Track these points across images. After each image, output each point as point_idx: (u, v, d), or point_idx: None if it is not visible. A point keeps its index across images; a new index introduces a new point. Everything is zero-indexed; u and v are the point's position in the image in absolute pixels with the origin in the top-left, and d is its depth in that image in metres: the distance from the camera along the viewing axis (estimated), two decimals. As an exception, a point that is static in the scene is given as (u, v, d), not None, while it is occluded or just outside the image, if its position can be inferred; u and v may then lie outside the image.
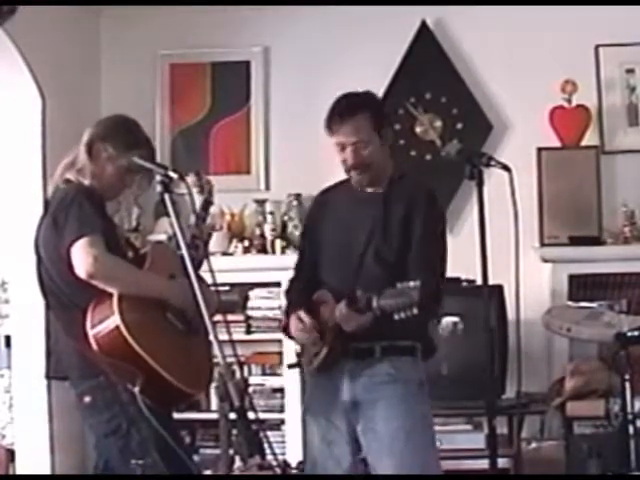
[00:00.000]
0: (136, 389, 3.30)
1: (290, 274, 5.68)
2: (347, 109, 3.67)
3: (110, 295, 3.37)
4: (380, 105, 3.85)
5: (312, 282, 3.74)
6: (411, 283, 3.31)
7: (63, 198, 3.53)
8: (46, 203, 3.64)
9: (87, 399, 3.49)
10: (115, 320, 3.32)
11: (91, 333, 3.35)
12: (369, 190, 3.70)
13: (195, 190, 3.80)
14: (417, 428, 3.58)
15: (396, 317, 3.32)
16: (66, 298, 3.50)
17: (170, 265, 3.52)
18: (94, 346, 3.34)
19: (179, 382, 3.36)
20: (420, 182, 3.78)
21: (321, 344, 3.60)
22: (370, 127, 3.63)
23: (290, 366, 3.78)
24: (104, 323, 3.34)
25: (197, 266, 3.48)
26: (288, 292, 3.89)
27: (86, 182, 3.58)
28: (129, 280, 3.46)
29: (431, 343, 3.71)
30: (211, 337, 3.17)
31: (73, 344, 3.45)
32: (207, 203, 3.87)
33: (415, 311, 3.28)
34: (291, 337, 3.74)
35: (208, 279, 3.39)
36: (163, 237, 4.67)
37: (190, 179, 3.76)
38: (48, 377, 3.69)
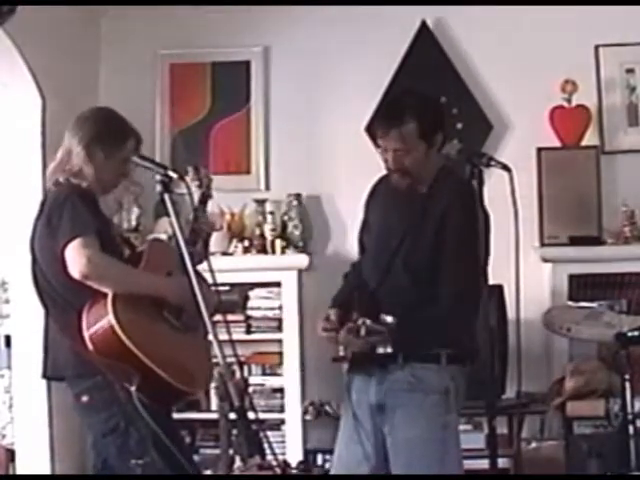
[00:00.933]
0: (132, 388, 3.30)
1: (290, 274, 5.74)
2: (393, 115, 3.57)
3: (105, 295, 3.37)
4: (431, 112, 3.64)
5: (360, 277, 3.74)
6: (388, 319, 3.33)
7: (56, 199, 3.53)
8: (41, 205, 3.63)
9: (84, 399, 3.49)
10: (110, 320, 3.32)
11: (86, 333, 3.34)
12: (412, 190, 3.63)
13: (194, 184, 3.80)
14: (435, 438, 3.52)
15: (377, 351, 3.39)
16: (61, 299, 3.50)
17: (167, 262, 3.52)
18: (90, 346, 3.33)
19: (176, 380, 3.35)
20: (461, 184, 3.52)
21: (350, 343, 3.57)
22: (416, 135, 3.53)
23: (335, 359, 3.73)
24: (99, 323, 3.34)
25: (196, 263, 3.47)
26: (345, 277, 3.86)
27: (84, 184, 3.57)
28: (123, 279, 3.46)
29: (466, 346, 3.57)
30: (211, 337, 3.17)
31: (69, 344, 3.45)
32: (205, 197, 3.87)
33: (389, 350, 3.34)
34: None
35: (208, 279, 3.39)
36: (163, 237, 4.67)
37: (189, 173, 3.77)
38: (45, 377, 3.68)
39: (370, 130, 3.67)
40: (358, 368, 3.61)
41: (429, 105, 3.66)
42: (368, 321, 3.38)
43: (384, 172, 3.70)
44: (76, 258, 3.38)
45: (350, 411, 3.65)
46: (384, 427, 3.59)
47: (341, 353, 3.61)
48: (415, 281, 3.53)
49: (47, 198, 3.59)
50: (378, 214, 3.73)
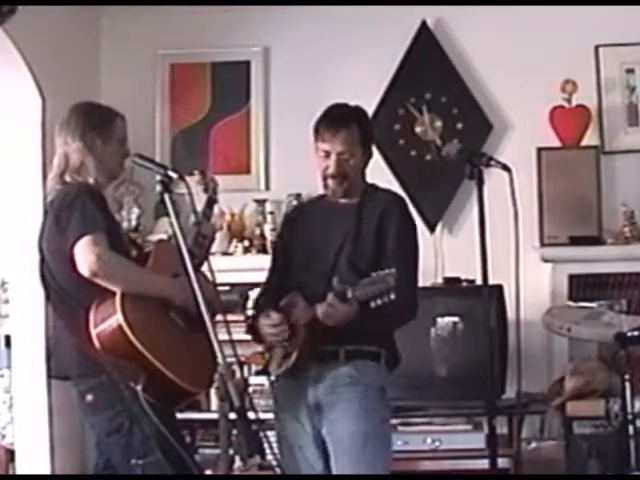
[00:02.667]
0: (139, 387, 3.31)
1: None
2: (340, 119, 3.71)
3: (113, 294, 3.38)
4: (369, 120, 3.89)
5: (282, 289, 3.74)
6: (386, 270, 3.34)
7: (65, 198, 3.54)
8: (50, 204, 3.63)
9: (89, 398, 3.49)
10: (118, 319, 3.33)
11: (94, 332, 3.35)
12: (343, 201, 3.74)
13: (200, 188, 3.83)
14: (375, 432, 3.59)
15: (373, 305, 3.34)
16: (69, 297, 3.51)
17: (174, 263, 3.52)
18: (97, 345, 3.35)
19: (182, 380, 3.36)
20: (394, 194, 3.83)
21: (290, 345, 3.61)
22: (358, 140, 3.69)
23: (258, 372, 3.79)
24: (107, 322, 3.35)
25: (199, 265, 3.48)
26: (257, 300, 3.91)
27: (90, 179, 3.59)
28: (132, 278, 3.47)
29: (396, 352, 3.72)
30: (211, 337, 3.17)
31: (75, 343, 3.46)
32: (211, 201, 3.89)
33: (392, 296, 3.31)
34: (257, 339, 3.75)
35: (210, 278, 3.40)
36: (163, 237, 4.67)
37: (195, 177, 3.79)
38: (50, 376, 3.69)
39: (316, 135, 3.73)
40: (294, 371, 3.61)
41: (366, 114, 3.86)
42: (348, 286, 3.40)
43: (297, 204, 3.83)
44: (85, 256, 3.39)
45: (288, 420, 3.67)
46: (322, 427, 3.62)
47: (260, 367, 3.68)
48: (360, 279, 3.53)
49: (55, 197, 3.59)
50: (306, 230, 3.79)
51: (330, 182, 3.71)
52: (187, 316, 3.52)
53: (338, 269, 3.62)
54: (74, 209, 3.46)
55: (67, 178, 3.61)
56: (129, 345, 3.31)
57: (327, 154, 3.68)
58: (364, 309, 3.40)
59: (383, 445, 3.63)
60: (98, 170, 3.61)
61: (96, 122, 3.66)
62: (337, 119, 3.71)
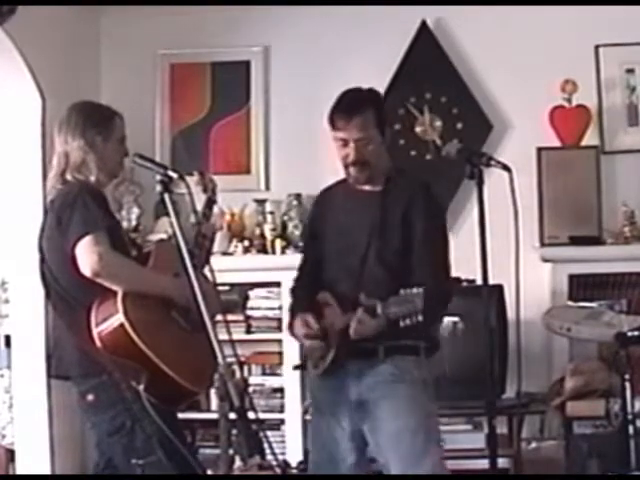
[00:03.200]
0: (140, 387, 3.30)
1: (290, 274, 5.70)
2: (354, 105, 3.68)
3: (114, 293, 3.38)
4: (382, 103, 3.85)
5: (316, 282, 3.74)
6: (414, 290, 3.32)
7: (66, 197, 3.53)
8: (50, 203, 3.63)
9: (90, 397, 3.49)
10: (119, 318, 3.33)
11: (95, 331, 3.35)
12: (367, 188, 3.71)
13: (199, 189, 3.83)
14: (422, 427, 3.59)
15: (402, 324, 3.34)
16: (70, 297, 3.51)
17: (174, 263, 3.52)
18: (99, 344, 3.34)
19: (183, 379, 3.36)
20: (418, 179, 3.78)
21: (326, 347, 3.61)
22: (374, 124, 3.65)
23: (295, 367, 3.78)
24: (108, 321, 3.35)
25: (202, 265, 3.49)
26: (293, 291, 3.90)
27: (92, 178, 3.59)
28: (133, 278, 3.47)
29: (434, 340, 3.71)
30: (211, 337, 3.17)
31: (75, 343, 3.46)
32: (211, 202, 3.89)
33: (420, 318, 3.30)
34: (295, 335, 3.76)
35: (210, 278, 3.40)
36: (164, 237, 4.67)
37: (194, 178, 3.79)
38: (50, 376, 3.68)
39: (331, 124, 3.71)
40: (332, 368, 3.61)
41: (380, 97, 3.86)
42: (379, 301, 3.38)
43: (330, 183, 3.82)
44: (87, 255, 3.38)
45: (325, 415, 3.67)
46: (364, 424, 3.62)
47: (299, 361, 3.67)
48: (390, 274, 3.56)
49: (56, 197, 3.59)
50: (334, 219, 3.77)
51: (352, 170, 3.68)
52: (189, 316, 3.52)
53: (367, 264, 3.60)
54: (75, 208, 3.46)
55: (68, 177, 3.61)
56: (131, 344, 3.31)
57: (345, 142, 3.65)
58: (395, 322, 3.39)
59: (432, 438, 3.63)
60: (99, 168, 3.62)
61: (96, 120, 3.67)
62: (350, 105, 3.68)
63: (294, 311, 3.75)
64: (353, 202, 3.73)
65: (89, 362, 3.43)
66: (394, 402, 3.57)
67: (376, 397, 3.59)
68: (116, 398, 3.44)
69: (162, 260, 3.62)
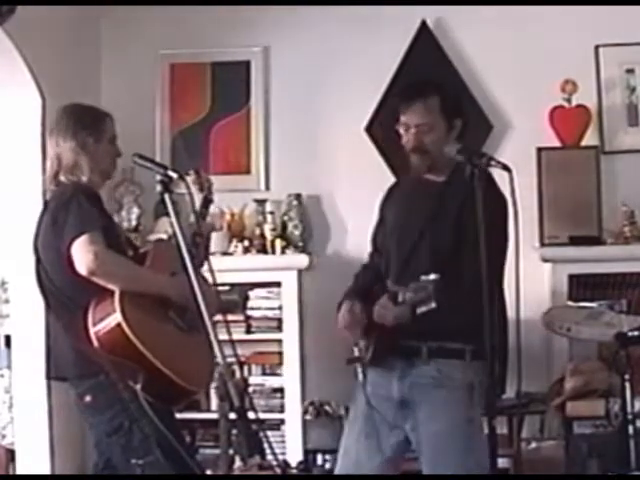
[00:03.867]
0: (138, 387, 3.30)
1: (290, 274, 5.74)
2: (417, 89, 3.65)
3: (111, 293, 3.38)
4: (452, 94, 3.76)
5: (378, 272, 3.73)
6: (431, 276, 3.27)
7: (61, 198, 3.54)
8: (45, 204, 3.64)
9: (88, 398, 3.49)
10: (117, 317, 3.33)
11: (93, 331, 3.35)
12: (430, 178, 3.67)
13: (195, 188, 3.83)
14: (461, 433, 3.53)
15: (418, 311, 3.28)
16: (66, 297, 3.50)
17: (172, 263, 3.52)
18: (96, 344, 3.34)
19: (180, 379, 3.36)
20: (480, 172, 3.45)
21: (368, 339, 3.58)
22: (438, 112, 3.61)
23: (350, 361, 3.71)
24: (106, 320, 3.35)
25: (199, 265, 3.48)
26: (356, 277, 3.86)
27: (84, 178, 3.59)
28: (130, 277, 3.47)
29: (483, 343, 3.44)
30: (211, 337, 3.17)
31: (72, 343, 3.45)
32: (207, 201, 3.90)
33: (433, 305, 3.24)
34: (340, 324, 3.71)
35: (209, 279, 3.39)
36: (163, 237, 4.67)
37: (190, 177, 3.78)
38: (49, 378, 3.68)
39: (397, 107, 3.68)
40: (378, 362, 3.59)
41: (450, 87, 3.81)
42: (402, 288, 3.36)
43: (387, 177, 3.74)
44: (83, 254, 3.38)
45: (363, 405, 3.63)
46: (406, 423, 3.59)
47: (356, 354, 3.61)
48: (439, 267, 3.45)
49: (51, 198, 3.60)
50: (396, 211, 3.75)
51: (412, 157, 3.65)
52: (186, 315, 3.52)
53: (418, 255, 3.57)
54: (70, 209, 3.46)
55: (61, 178, 3.61)
56: (128, 344, 3.31)
57: (407, 127, 3.62)
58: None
59: (470, 444, 3.53)
60: (91, 169, 3.62)
61: (87, 122, 3.68)
62: (414, 89, 3.65)
63: (344, 297, 3.71)
64: (414, 192, 3.70)
65: (86, 363, 3.43)
66: (433, 406, 3.53)
67: (417, 399, 3.56)
68: (114, 398, 3.43)
69: (159, 260, 3.62)
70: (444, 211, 3.57)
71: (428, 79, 3.75)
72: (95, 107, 3.81)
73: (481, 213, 3.24)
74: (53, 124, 3.74)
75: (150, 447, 3.42)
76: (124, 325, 3.32)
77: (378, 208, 3.92)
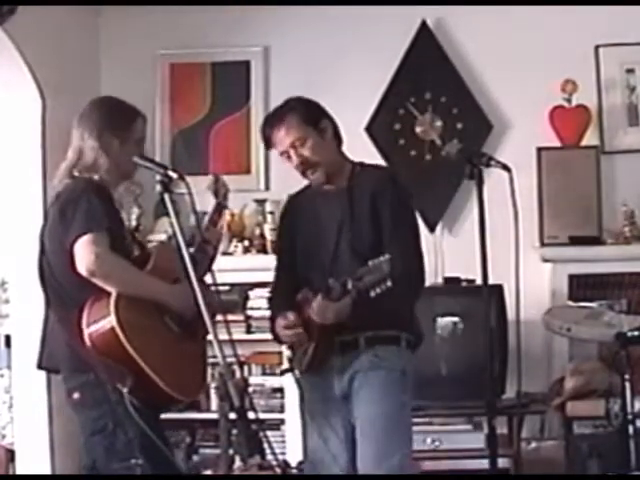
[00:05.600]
0: (125, 389, 3.29)
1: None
2: (274, 117, 3.74)
3: (108, 293, 3.36)
4: (308, 103, 3.81)
5: (292, 285, 3.76)
6: (381, 258, 3.32)
7: (72, 192, 3.51)
8: (56, 196, 3.61)
9: (76, 395, 3.48)
10: (111, 321, 3.31)
11: (86, 332, 3.34)
12: (330, 187, 3.73)
13: (209, 192, 3.83)
14: (395, 415, 3.59)
15: (372, 294, 3.33)
16: (64, 293, 3.49)
17: (175, 268, 3.50)
18: (88, 344, 3.33)
19: (168, 387, 3.34)
20: (383, 171, 3.85)
21: (308, 342, 3.62)
22: (301, 124, 3.67)
23: (283, 372, 3.79)
24: (100, 322, 3.33)
25: (204, 272, 3.47)
26: (270, 300, 3.92)
27: (98, 177, 3.57)
28: (129, 280, 3.45)
29: (417, 333, 3.71)
30: (211, 337, 3.17)
31: (66, 338, 3.44)
32: (220, 207, 3.88)
33: (389, 284, 3.30)
34: (279, 340, 3.78)
35: (208, 279, 3.39)
36: (163, 237, 4.67)
37: (207, 181, 3.78)
38: (40, 367, 3.67)
39: (265, 144, 3.83)
40: (316, 366, 3.63)
41: (301, 99, 3.81)
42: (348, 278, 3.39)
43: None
44: (85, 254, 3.37)
45: (315, 414, 3.69)
46: (351, 417, 3.63)
47: (285, 365, 3.71)
48: (362, 264, 3.52)
49: (63, 190, 3.57)
50: (303, 221, 3.79)
51: (308, 175, 3.71)
52: (182, 321, 3.50)
53: (340, 259, 3.62)
54: (79, 205, 3.44)
55: (75, 173, 3.59)
56: (120, 348, 3.29)
57: (286, 154, 3.70)
58: (365, 299, 3.38)
59: (402, 429, 3.62)
60: (109, 171, 3.59)
61: (116, 122, 3.60)
62: (269, 121, 3.75)
63: (273, 316, 3.78)
64: (320, 202, 3.75)
65: (77, 358, 3.41)
66: (371, 389, 3.59)
67: (356, 387, 3.61)
68: (101, 398, 3.41)
69: (162, 264, 3.59)
70: (356, 213, 3.65)
71: (280, 105, 3.80)
72: (129, 105, 3.71)
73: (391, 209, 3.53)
74: (84, 113, 3.63)
75: (133, 450, 3.39)
76: (117, 329, 3.30)
77: (279, 228, 3.98)
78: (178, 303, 3.46)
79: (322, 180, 3.71)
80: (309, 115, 3.70)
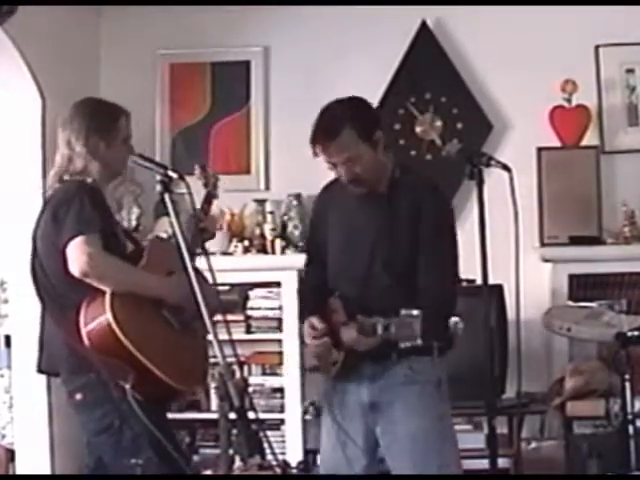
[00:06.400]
0: (127, 386, 3.30)
1: (290, 274, 5.73)
2: (329, 130, 3.54)
3: (103, 292, 3.37)
4: (365, 113, 3.64)
5: (322, 285, 3.70)
6: (414, 312, 3.26)
7: (65, 194, 3.52)
8: (48, 198, 3.62)
9: (78, 396, 3.48)
10: (107, 317, 3.32)
11: (84, 330, 3.35)
12: (370, 191, 3.63)
13: (200, 182, 3.83)
14: (435, 428, 3.55)
15: (402, 346, 3.31)
16: (59, 295, 3.50)
17: (167, 261, 3.52)
18: (87, 343, 3.34)
19: (170, 379, 3.35)
20: (424, 179, 3.70)
21: (337, 351, 3.57)
22: (357, 141, 3.52)
23: (311, 369, 3.71)
24: (96, 320, 3.34)
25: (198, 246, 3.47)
26: (300, 293, 3.86)
27: (90, 180, 3.58)
28: (123, 279, 3.46)
29: (449, 337, 3.57)
30: (211, 337, 3.17)
31: (64, 340, 3.45)
32: (210, 196, 3.88)
33: (419, 342, 3.26)
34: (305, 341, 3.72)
35: (209, 279, 3.39)
36: (161, 235, 4.67)
37: (195, 172, 3.77)
38: (40, 371, 3.67)
39: (313, 150, 3.63)
40: (347, 370, 3.58)
41: (358, 106, 3.63)
42: (381, 319, 3.32)
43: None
44: (77, 255, 3.38)
45: (335, 417, 3.63)
46: (377, 426, 3.58)
47: (315, 362, 3.62)
48: (397, 280, 3.53)
49: (55, 193, 3.58)
50: (338, 219, 3.69)
51: (350, 186, 3.59)
52: (180, 314, 3.51)
53: (374, 273, 3.55)
54: (72, 207, 3.45)
55: (66, 177, 3.60)
56: (118, 343, 3.30)
57: (333, 165, 3.58)
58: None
59: (445, 440, 3.57)
60: (100, 173, 3.60)
61: (100, 124, 3.61)
62: (326, 131, 3.56)
63: (303, 314, 3.70)
64: (356, 205, 3.65)
65: (78, 360, 3.42)
66: (407, 404, 3.53)
67: (389, 399, 3.55)
68: (104, 397, 3.42)
69: (155, 258, 3.61)
70: (394, 223, 3.56)
71: (334, 110, 3.59)
72: (111, 104, 3.70)
73: (430, 222, 3.41)
74: (66, 119, 3.64)
75: (141, 446, 3.41)
76: (114, 325, 3.31)
77: (313, 214, 3.88)
78: (174, 296, 3.47)
79: (364, 191, 3.60)
80: (365, 130, 3.52)
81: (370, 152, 3.55)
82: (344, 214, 3.69)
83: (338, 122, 3.54)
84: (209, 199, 3.89)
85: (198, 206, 3.75)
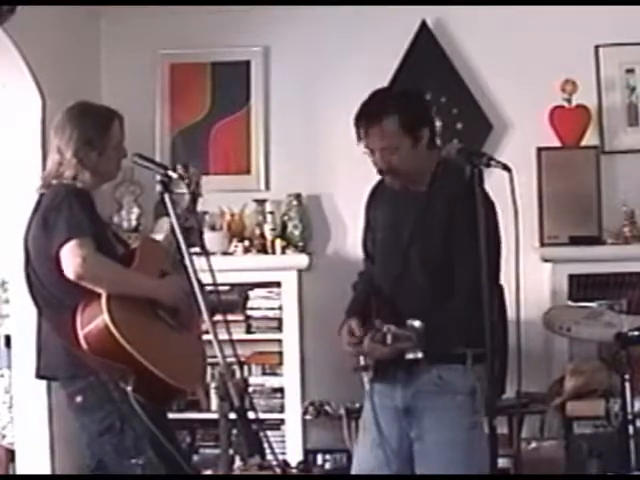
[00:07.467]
0: (128, 387, 3.30)
1: (290, 274, 5.74)
2: (374, 113, 3.48)
3: (99, 295, 3.37)
4: (413, 105, 3.56)
5: (372, 280, 3.68)
6: (416, 323, 3.25)
7: (53, 200, 3.53)
8: (37, 203, 3.63)
9: (79, 399, 3.49)
10: (104, 319, 3.32)
11: (81, 333, 3.35)
12: (411, 188, 3.57)
13: (183, 183, 3.80)
14: (463, 440, 3.48)
15: (407, 357, 3.30)
16: (54, 299, 3.50)
17: (160, 261, 3.52)
18: (85, 346, 3.34)
19: (169, 378, 3.35)
20: (460, 178, 3.40)
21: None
22: (399, 131, 3.45)
23: (357, 369, 3.67)
24: (93, 323, 3.34)
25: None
26: (354, 286, 3.80)
27: (80, 185, 3.58)
28: (118, 281, 3.46)
29: (484, 345, 3.33)
30: (211, 337, 3.17)
31: (62, 344, 3.45)
32: (195, 196, 3.86)
33: (419, 355, 3.27)
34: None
35: (207, 279, 3.39)
36: (159, 237, 4.66)
37: (178, 172, 3.74)
38: (39, 377, 3.68)
39: (356, 132, 3.52)
40: (382, 373, 3.55)
41: (410, 98, 3.59)
42: (393, 328, 3.30)
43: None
44: (71, 259, 3.38)
45: (372, 416, 3.59)
46: (411, 431, 3.54)
47: (362, 362, 3.56)
48: (432, 278, 3.47)
49: (42, 198, 3.59)
50: (381, 216, 3.67)
51: (386, 177, 3.55)
52: (176, 313, 3.51)
53: (409, 272, 3.50)
54: (61, 212, 3.45)
55: (54, 182, 3.60)
56: (116, 345, 3.30)
57: (371, 150, 3.49)
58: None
59: (472, 451, 3.46)
60: (91, 180, 3.61)
61: (91, 133, 3.60)
62: (370, 114, 3.48)
63: (347, 312, 3.65)
64: (399, 200, 3.59)
65: (76, 363, 3.42)
66: (436, 414, 3.48)
67: (420, 407, 3.51)
68: (105, 399, 3.43)
69: (147, 259, 3.61)
70: (432, 221, 3.50)
71: (384, 95, 3.56)
72: (102, 109, 3.70)
73: (482, 214, 3.21)
74: (57, 126, 3.65)
75: (142, 447, 3.41)
76: (111, 327, 3.31)
77: (364, 211, 3.82)
78: (169, 296, 3.48)
79: (398, 186, 3.55)
80: (411, 122, 3.45)
81: (410, 145, 3.48)
82: (385, 212, 3.65)
83: (384, 108, 3.47)
84: (194, 198, 3.88)
85: (185, 207, 3.75)
